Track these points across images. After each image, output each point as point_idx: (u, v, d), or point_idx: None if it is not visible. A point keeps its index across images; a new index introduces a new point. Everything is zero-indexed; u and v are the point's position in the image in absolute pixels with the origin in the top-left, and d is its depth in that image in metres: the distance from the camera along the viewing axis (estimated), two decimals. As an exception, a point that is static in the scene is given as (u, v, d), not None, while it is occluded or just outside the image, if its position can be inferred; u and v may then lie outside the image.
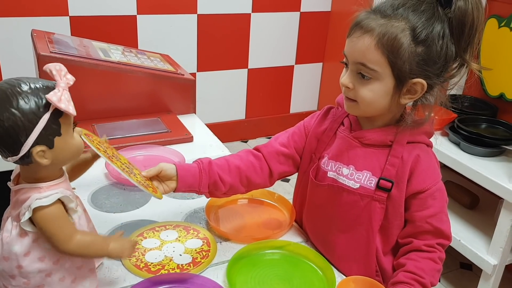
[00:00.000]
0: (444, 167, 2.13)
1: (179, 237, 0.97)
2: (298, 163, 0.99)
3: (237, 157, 0.96)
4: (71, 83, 0.70)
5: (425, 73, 0.80)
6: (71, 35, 2.24)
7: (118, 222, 1.02)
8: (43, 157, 0.69)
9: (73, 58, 1.37)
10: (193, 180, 0.88)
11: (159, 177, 0.87)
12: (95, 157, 0.86)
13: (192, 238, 0.97)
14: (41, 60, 1.32)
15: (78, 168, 0.87)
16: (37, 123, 0.67)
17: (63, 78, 0.69)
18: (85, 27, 2.26)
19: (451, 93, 2.14)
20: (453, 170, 1.76)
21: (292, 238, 1.00)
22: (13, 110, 0.66)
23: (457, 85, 0.87)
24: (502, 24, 1.85)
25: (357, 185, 0.88)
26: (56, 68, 0.70)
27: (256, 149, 0.98)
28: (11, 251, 0.72)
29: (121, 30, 2.35)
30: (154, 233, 0.98)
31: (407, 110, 0.88)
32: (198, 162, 0.91)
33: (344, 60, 0.85)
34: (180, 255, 0.92)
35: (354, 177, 0.88)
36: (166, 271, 0.88)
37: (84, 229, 0.79)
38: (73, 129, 0.74)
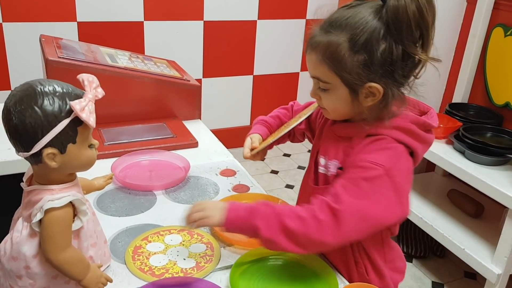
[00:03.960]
0: (448, 175, 2.13)
1: (183, 241, 0.98)
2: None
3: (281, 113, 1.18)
4: (100, 96, 0.72)
5: (376, 76, 0.81)
6: (79, 40, 2.26)
7: (123, 226, 1.02)
8: (53, 160, 0.70)
9: (81, 64, 1.38)
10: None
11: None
12: (104, 185, 0.96)
13: (196, 242, 0.98)
14: (49, 65, 1.33)
15: (87, 190, 0.91)
16: (55, 125, 0.68)
17: (93, 90, 0.71)
18: (92, 32, 2.29)
19: (456, 101, 2.13)
20: (457, 179, 1.75)
21: (296, 244, 1.00)
22: (36, 108, 0.67)
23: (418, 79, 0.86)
24: (508, 33, 1.86)
25: (329, 174, 0.93)
26: (88, 79, 0.72)
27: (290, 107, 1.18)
28: (20, 251, 0.73)
29: (128, 36, 2.38)
30: (158, 237, 0.98)
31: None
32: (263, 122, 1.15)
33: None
34: (184, 259, 0.92)
35: (327, 165, 0.93)
36: (170, 275, 0.88)
37: (91, 233, 0.80)
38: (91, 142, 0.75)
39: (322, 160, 0.94)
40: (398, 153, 0.85)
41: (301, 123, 1.10)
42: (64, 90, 0.70)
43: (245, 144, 1.09)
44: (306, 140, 1.16)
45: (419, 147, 0.87)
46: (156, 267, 0.90)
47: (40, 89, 0.69)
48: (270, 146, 1.09)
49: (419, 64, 0.83)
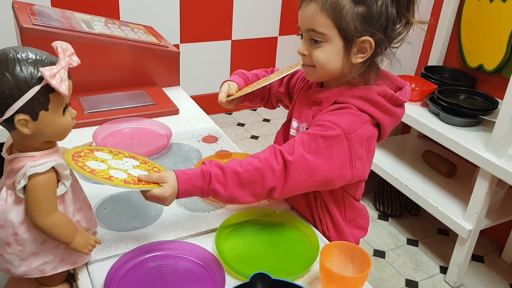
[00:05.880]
0: (423, 137, 2.19)
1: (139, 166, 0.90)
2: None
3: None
4: (74, 64, 0.72)
5: (370, 31, 0.85)
6: (51, 6, 2.19)
7: (107, 194, 1.04)
8: (25, 126, 0.71)
9: (56, 31, 1.35)
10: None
11: None
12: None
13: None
14: (24, 33, 1.30)
15: None
16: (26, 92, 0.69)
17: (66, 57, 0.71)
18: (65, -3, 2.22)
19: (431, 64, 2.16)
20: (432, 140, 1.81)
21: (278, 206, 1.04)
22: (8, 74, 0.68)
23: (404, 42, 0.90)
24: (483, -4, 1.88)
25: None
26: (62, 47, 0.72)
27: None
28: (7, 219, 0.74)
29: (101, 0, 2.31)
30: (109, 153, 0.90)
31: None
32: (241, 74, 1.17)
33: (300, 32, 0.91)
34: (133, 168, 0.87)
35: (298, 128, 0.97)
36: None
37: (76, 198, 0.81)
38: (65, 109, 0.75)
39: (294, 123, 0.99)
40: (361, 120, 0.88)
41: (281, 85, 1.12)
42: (38, 57, 0.70)
43: (222, 89, 1.11)
44: (286, 106, 1.17)
45: (386, 119, 0.90)
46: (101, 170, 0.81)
47: (13, 55, 0.69)
48: (244, 97, 1.12)
49: (405, 26, 0.88)
